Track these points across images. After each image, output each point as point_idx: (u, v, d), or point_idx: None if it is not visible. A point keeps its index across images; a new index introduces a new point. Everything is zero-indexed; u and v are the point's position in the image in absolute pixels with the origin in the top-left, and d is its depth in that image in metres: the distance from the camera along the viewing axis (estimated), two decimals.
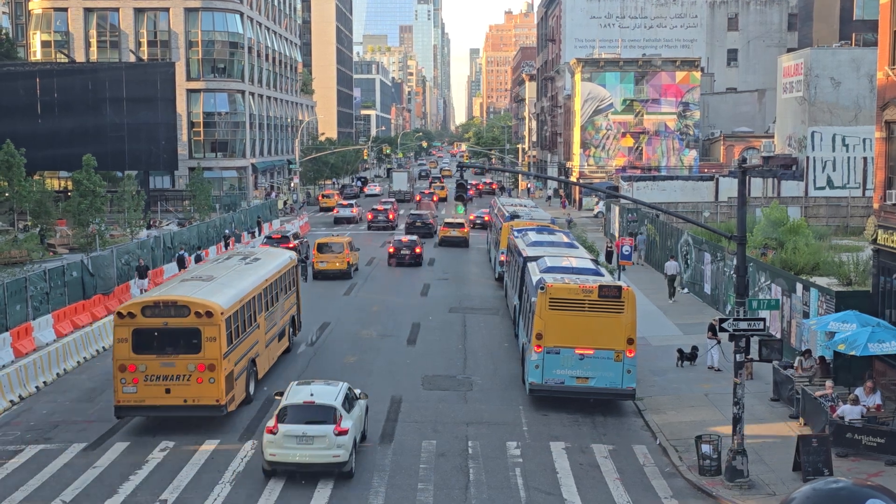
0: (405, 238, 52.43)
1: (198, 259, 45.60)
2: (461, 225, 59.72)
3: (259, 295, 26.91)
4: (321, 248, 46.34)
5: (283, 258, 31.48)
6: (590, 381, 24.35)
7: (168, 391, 22.59)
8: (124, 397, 22.66)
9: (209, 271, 27.32)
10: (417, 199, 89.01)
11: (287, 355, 30.31)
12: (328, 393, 20.59)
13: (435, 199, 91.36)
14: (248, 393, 25.15)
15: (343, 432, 19.68)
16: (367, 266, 50.62)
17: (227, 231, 56.88)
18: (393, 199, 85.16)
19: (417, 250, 51.43)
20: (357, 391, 22.17)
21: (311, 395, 20.40)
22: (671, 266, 41.26)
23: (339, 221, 74.82)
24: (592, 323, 24.17)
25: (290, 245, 49.07)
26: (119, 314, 22.91)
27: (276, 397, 22.02)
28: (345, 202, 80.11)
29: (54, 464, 20.83)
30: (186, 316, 22.72)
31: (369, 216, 71.48)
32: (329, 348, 31.79)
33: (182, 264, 44.71)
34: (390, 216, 70.86)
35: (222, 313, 22.99)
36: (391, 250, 51.73)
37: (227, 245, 52.93)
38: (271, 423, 19.94)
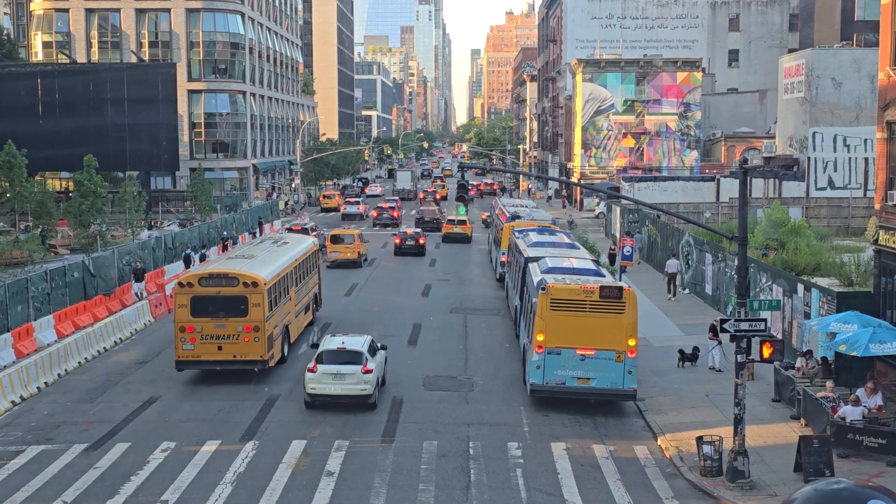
0: (410, 230, 57.16)
1: (202, 258, 46.62)
2: (463, 222, 62.00)
3: (291, 272, 31.44)
4: (335, 239, 50.11)
5: (307, 243, 36.04)
6: (591, 382, 24.34)
7: (220, 348, 27.06)
8: (183, 353, 27.09)
9: (249, 251, 32.22)
10: (422, 196, 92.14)
11: (289, 356, 30.33)
12: (356, 342, 25.53)
13: (437, 196, 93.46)
14: (283, 353, 29.53)
15: (368, 371, 24.61)
16: (369, 267, 50.63)
17: (225, 233, 56.07)
18: (397, 198, 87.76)
19: (421, 241, 55.85)
20: (378, 343, 26.73)
21: (343, 342, 25.35)
22: (672, 264, 41.88)
23: (346, 218, 77.22)
24: (593, 323, 24.16)
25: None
26: (180, 284, 27.54)
27: (312, 348, 26.97)
28: (351, 199, 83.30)
29: (55, 464, 20.83)
30: (236, 286, 27.24)
31: (374, 213, 74.38)
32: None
33: (188, 263, 45.73)
34: (394, 214, 73.77)
35: (265, 284, 27.55)
36: (397, 241, 55.87)
37: (224, 248, 51.89)
38: (311, 364, 24.82)
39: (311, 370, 24.64)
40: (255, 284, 27.28)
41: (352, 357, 24.78)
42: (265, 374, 27.85)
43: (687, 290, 41.96)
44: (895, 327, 22.98)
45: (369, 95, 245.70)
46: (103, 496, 19.02)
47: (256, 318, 27.10)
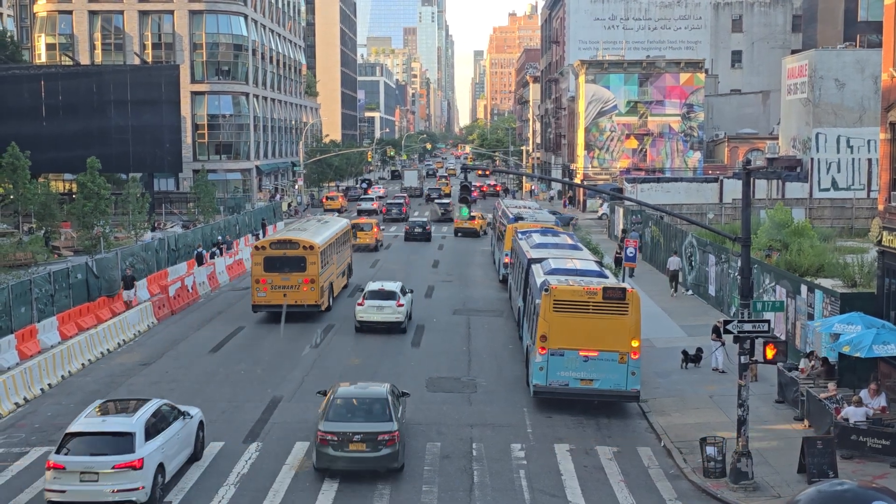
0: (418, 220, 66.80)
1: (213, 255, 49.20)
2: (472, 217, 65.33)
3: (333, 243, 39.76)
4: (356, 227, 56.60)
5: (343, 223, 45.46)
6: (594, 383, 24.32)
7: (285, 295, 35.43)
8: (258, 299, 35.83)
9: (302, 226, 42.15)
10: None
11: (297, 350, 30.39)
12: (392, 285, 35.06)
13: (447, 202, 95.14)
14: (329, 304, 37.91)
15: (401, 305, 33.96)
16: (371, 268, 50.68)
17: (219, 237, 54.03)
18: (405, 195, 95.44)
19: (427, 228, 65.03)
20: (408, 288, 36.58)
21: (382, 285, 34.93)
22: (673, 262, 42.66)
23: (361, 213, 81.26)
24: (597, 325, 24.13)
25: None
26: (256, 247, 36.57)
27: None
28: (366, 198, 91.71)
29: None
30: (297, 249, 35.81)
31: (383, 209, 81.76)
32: (334, 350, 31.80)
33: (200, 261, 47.58)
34: (403, 210, 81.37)
35: (318, 247, 36.21)
36: (407, 229, 65.09)
37: (219, 252, 50.34)
38: (360, 300, 34.28)
39: (360, 304, 34.16)
40: (311, 248, 35.99)
41: (388, 295, 34.22)
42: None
43: (690, 292, 41.94)
44: None
45: (372, 97, 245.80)
46: None
47: (312, 273, 35.76)
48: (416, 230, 63.97)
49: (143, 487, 17.95)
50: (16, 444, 22.36)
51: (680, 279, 42.72)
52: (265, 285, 35.49)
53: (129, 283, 38.43)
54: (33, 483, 19.76)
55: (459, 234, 67.33)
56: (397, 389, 22.20)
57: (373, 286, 34.89)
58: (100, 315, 35.92)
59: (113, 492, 17.75)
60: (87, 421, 18.84)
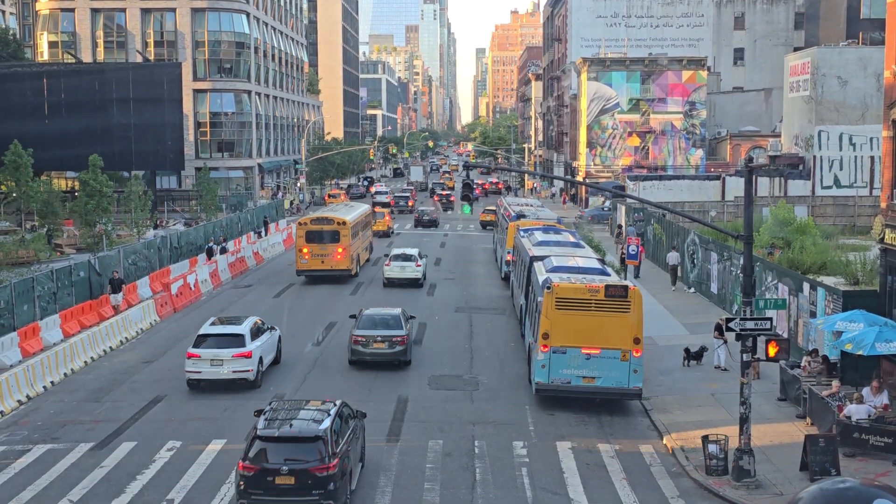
0: (427, 209, 74.02)
1: (223, 251, 50.91)
2: (493, 212, 68.85)
3: (359, 222, 48.63)
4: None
5: (366, 208, 54.55)
6: (596, 381, 24.31)
7: (322, 262, 44.25)
8: (301, 266, 44.60)
9: (335, 208, 52.64)
10: (435, 199, 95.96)
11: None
12: (411, 250, 44.77)
13: (444, 193, 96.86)
14: (357, 270, 46.56)
15: (419, 265, 43.66)
16: (374, 266, 50.70)
17: (211, 239, 52.45)
18: (412, 188, 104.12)
19: (435, 216, 74.12)
20: (423, 253, 46.62)
21: (404, 251, 44.37)
22: (672, 256, 43.67)
23: (376, 204, 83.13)
24: (599, 322, 24.12)
25: None
26: (299, 223, 45.33)
27: (385, 257, 45.47)
28: (379, 190, 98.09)
29: (62, 463, 20.88)
30: (332, 224, 44.50)
31: (391, 201, 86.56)
32: (336, 348, 31.81)
33: (211, 255, 49.37)
34: (409, 203, 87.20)
35: (349, 224, 44.94)
36: (416, 217, 73.91)
37: (210, 256, 48.91)
38: (387, 262, 43.88)
39: (387, 265, 43.95)
40: (343, 223, 44.64)
41: (409, 258, 43.95)
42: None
43: (692, 289, 41.93)
44: None
45: (374, 94, 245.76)
46: (109, 495, 19.05)
47: (345, 244, 44.36)
48: (424, 218, 72.80)
49: (252, 370, 26.27)
50: (18, 442, 22.39)
51: (679, 273, 43.30)
52: (307, 254, 44.19)
53: (116, 287, 37.26)
54: (36, 480, 19.80)
55: (487, 228, 69.26)
56: (407, 313, 30.90)
57: (396, 251, 45.25)
58: (102, 313, 35.95)
59: (232, 372, 26.08)
60: (211, 328, 27.22)
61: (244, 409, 24.84)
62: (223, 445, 21.94)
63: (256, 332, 27.32)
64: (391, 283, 43.26)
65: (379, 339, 28.37)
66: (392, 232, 67.08)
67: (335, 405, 18.75)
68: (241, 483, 16.89)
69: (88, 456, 21.38)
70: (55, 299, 34.37)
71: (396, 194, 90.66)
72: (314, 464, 16.82)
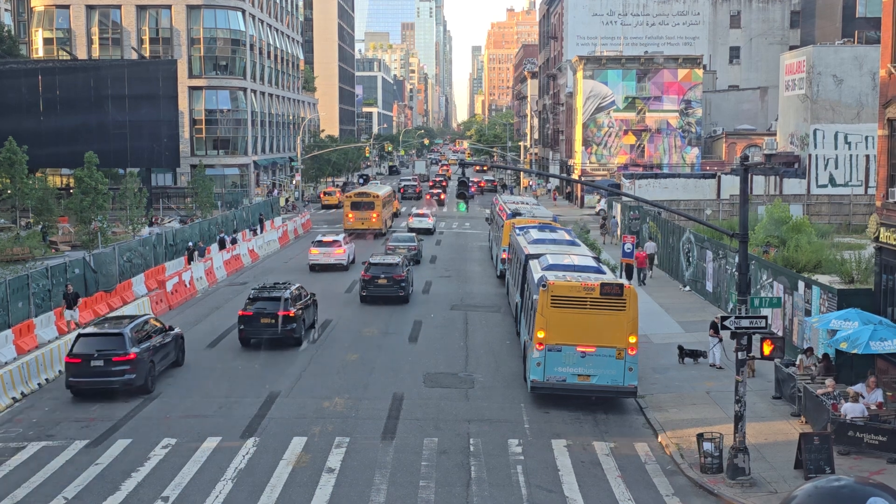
0: (421, 211, 76.90)
1: (234, 241, 54.29)
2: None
3: (388, 195, 68.54)
4: None
5: (390, 188, 74.36)
6: (591, 379, 24.32)
7: (363, 223, 62.51)
8: (347, 226, 62.63)
9: (370, 186, 75.28)
10: (427, 197, 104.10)
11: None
12: (427, 210, 67.74)
13: (441, 197, 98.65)
14: (385, 229, 64.34)
15: (431, 220, 66.66)
16: (402, 219, 51.49)
17: (190, 244, 50.20)
18: (417, 178, 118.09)
19: (442, 196, 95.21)
20: (434, 213, 70.90)
21: (421, 210, 68.66)
22: (650, 246, 46.47)
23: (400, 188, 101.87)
24: (594, 320, 24.14)
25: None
26: (347, 196, 66.04)
27: (408, 216, 67.25)
28: (407, 177, 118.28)
29: (56, 461, 20.85)
30: (369, 197, 63.63)
31: (402, 190, 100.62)
32: (331, 346, 31.82)
33: (223, 245, 52.26)
34: (417, 190, 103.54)
35: (381, 197, 63.76)
36: (427, 197, 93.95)
37: (191, 259, 47.02)
38: (410, 217, 66.51)
39: (410, 220, 65.37)
40: (377, 196, 63.63)
41: (425, 215, 65.63)
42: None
43: (688, 288, 41.97)
44: None
45: (370, 92, 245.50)
46: (104, 492, 19.03)
47: (377, 211, 62.90)
48: (433, 199, 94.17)
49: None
50: (13, 439, 22.36)
51: (656, 262, 46.68)
52: (352, 217, 62.78)
53: (71, 302, 33.32)
54: (31, 478, 19.78)
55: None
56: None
57: (415, 211, 68.83)
58: (97, 310, 35.89)
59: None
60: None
61: (239, 406, 24.85)
62: (218, 443, 21.93)
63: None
64: (412, 230, 60.88)
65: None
66: (400, 213, 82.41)
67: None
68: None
69: (83, 453, 21.35)
70: (50, 296, 34.30)
71: (405, 183, 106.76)
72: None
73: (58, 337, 31.53)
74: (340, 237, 50.04)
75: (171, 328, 28.77)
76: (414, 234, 52.60)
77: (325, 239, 49.21)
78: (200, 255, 48.45)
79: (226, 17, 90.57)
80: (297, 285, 33.00)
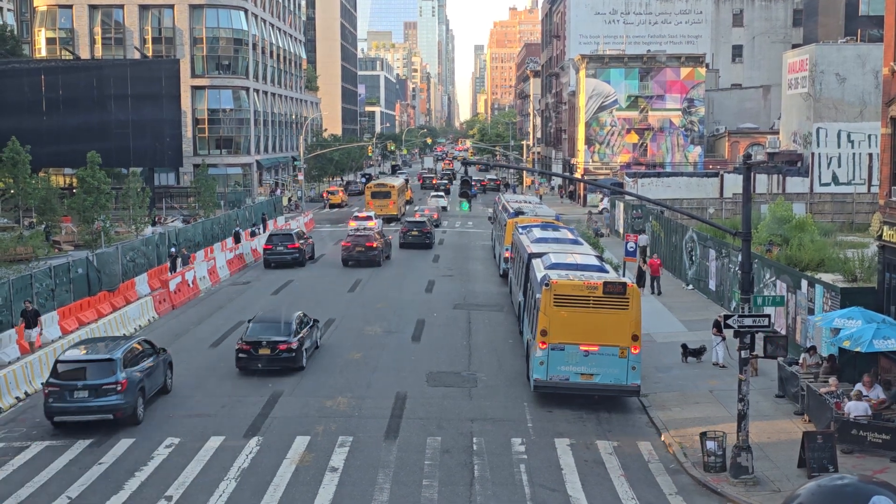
0: (417, 215, 79.29)
1: (253, 234, 58.39)
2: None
3: (402, 186, 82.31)
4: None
5: (403, 179, 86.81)
6: (594, 378, 24.31)
7: (381, 209, 71.70)
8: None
9: (384, 179, 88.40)
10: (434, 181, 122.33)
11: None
12: (441, 192, 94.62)
13: (451, 175, 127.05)
14: (400, 215, 74.21)
15: (446, 199, 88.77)
16: (413, 206, 51.57)
17: (172, 249, 47.11)
18: (429, 171, 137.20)
19: (448, 187, 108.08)
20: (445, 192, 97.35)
21: (438, 187, 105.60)
22: (642, 238, 47.59)
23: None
24: (597, 319, 24.12)
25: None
26: (367, 186, 78.14)
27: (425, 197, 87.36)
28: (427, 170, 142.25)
29: (60, 460, 20.88)
30: (386, 187, 75.36)
31: (419, 179, 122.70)
32: (334, 345, 31.83)
33: (238, 239, 54.79)
34: (433, 181, 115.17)
35: (396, 187, 76.27)
36: (409, 225, 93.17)
37: (173, 267, 44.74)
38: (429, 198, 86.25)
39: (430, 200, 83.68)
40: (393, 187, 74.70)
41: (439, 196, 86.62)
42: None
43: (691, 286, 41.94)
44: None
45: (372, 91, 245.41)
46: (107, 492, 19.05)
47: (394, 199, 73.18)
48: (439, 189, 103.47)
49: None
50: (17, 439, 22.39)
51: (648, 253, 47.26)
52: (372, 205, 71.55)
53: (30, 321, 30.15)
54: (34, 478, 19.80)
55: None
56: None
57: (433, 194, 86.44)
58: (100, 309, 35.95)
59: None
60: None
61: (242, 405, 24.87)
62: (222, 442, 21.94)
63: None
64: (433, 206, 76.30)
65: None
66: (413, 200, 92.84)
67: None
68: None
69: (87, 453, 21.38)
70: (53, 296, 34.35)
71: (422, 174, 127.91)
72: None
73: (61, 336, 31.56)
74: (372, 213, 65.82)
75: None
76: (436, 207, 77.54)
77: (361, 215, 63.52)
78: (184, 262, 45.60)
79: (228, 16, 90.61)
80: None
